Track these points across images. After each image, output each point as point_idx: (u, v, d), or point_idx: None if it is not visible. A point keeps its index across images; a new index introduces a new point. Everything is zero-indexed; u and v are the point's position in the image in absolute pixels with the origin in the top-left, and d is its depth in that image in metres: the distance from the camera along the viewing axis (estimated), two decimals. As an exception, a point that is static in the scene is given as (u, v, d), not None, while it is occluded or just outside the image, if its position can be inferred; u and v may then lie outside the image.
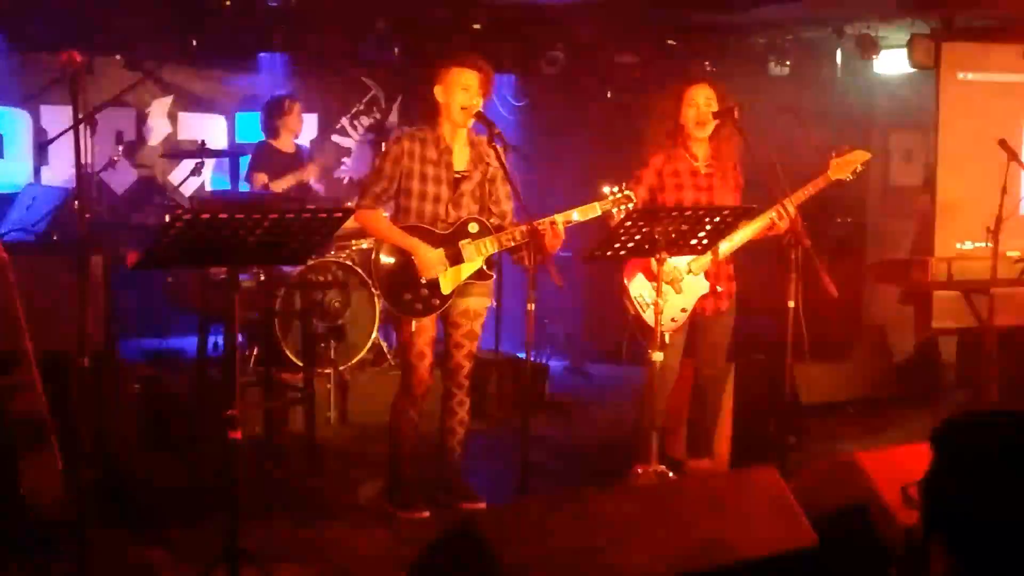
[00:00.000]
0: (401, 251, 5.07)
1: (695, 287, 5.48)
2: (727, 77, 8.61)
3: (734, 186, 5.57)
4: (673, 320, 5.44)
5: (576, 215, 5.03)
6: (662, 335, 5.15)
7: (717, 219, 4.91)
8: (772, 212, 5.27)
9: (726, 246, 5.41)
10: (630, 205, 5.05)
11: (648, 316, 5.17)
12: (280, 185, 7.74)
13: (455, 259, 5.09)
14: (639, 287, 5.36)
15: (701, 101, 5.44)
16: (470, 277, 5.12)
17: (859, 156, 5.47)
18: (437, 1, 8.60)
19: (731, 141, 5.49)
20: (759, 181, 5.28)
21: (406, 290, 5.06)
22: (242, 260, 4.04)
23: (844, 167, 5.45)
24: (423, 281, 5.05)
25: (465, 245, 5.09)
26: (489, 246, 5.09)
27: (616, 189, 5.07)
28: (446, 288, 5.08)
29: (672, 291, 5.39)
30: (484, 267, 5.13)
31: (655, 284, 4.98)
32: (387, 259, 5.10)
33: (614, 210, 5.05)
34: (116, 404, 5.20)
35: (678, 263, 5.38)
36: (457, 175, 5.14)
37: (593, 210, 5.05)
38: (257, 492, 5.31)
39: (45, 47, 7.13)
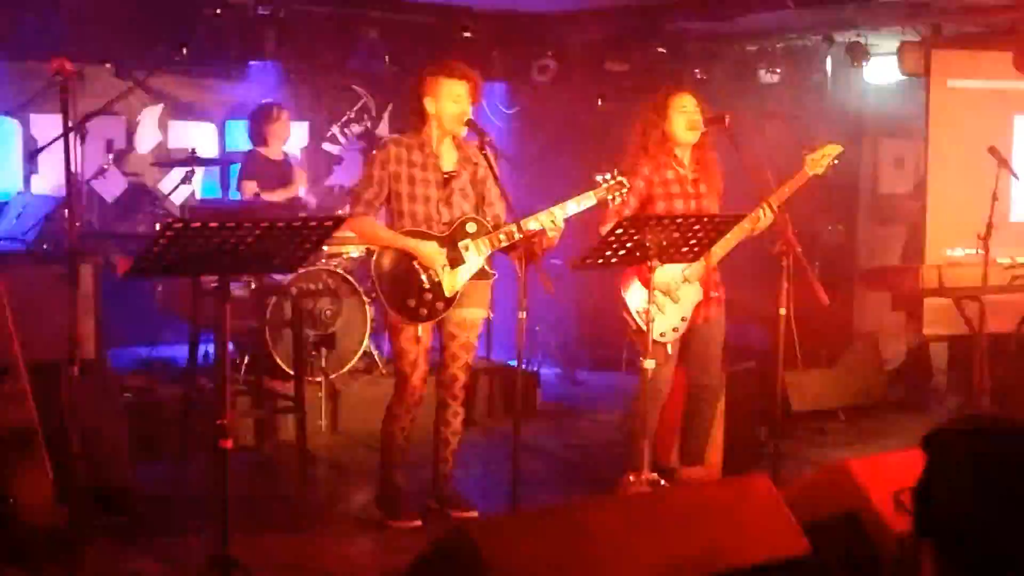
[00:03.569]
0: (401, 258, 5.04)
1: (691, 295, 5.48)
2: (717, 84, 8.66)
3: (716, 192, 5.58)
4: (675, 330, 5.44)
5: (572, 205, 5.02)
6: (655, 343, 5.14)
7: (709, 226, 4.91)
8: (757, 212, 5.30)
9: (717, 251, 5.42)
10: (624, 191, 5.04)
11: (651, 328, 5.13)
12: (271, 198, 7.70)
13: (455, 261, 5.07)
14: (637, 300, 5.33)
15: (691, 108, 5.45)
16: (473, 277, 5.10)
17: (831, 150, 5.53)
18: (428, 9, 8.61)
19: (714, 148, 5.52)
20: (745, 185, 5.29)
21: (409, 296, 5.03)
22: (233, 269, 4.04)
23: (819, 161, 5.50)
24: (426, 286, 5.03)
25: (466, 246, 5.07)
26: (485, 246, 5.08)
27: (609, 176, 5.04)
28: (449, 290, 5.05)
29: (670, 301, 5.39)
30: (485, 266, 5.12)
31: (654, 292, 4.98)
32: (388, 267, 5.06)
33: (609, 197, 5.04)
34: (106, 413, 5.18)
35: (673, 273, 5.38)
36: (446, 175, 5.12)
37: (588, 199, 5.02)
38: (247, 500, 5.29)
39: (35, 55, 7.10)
